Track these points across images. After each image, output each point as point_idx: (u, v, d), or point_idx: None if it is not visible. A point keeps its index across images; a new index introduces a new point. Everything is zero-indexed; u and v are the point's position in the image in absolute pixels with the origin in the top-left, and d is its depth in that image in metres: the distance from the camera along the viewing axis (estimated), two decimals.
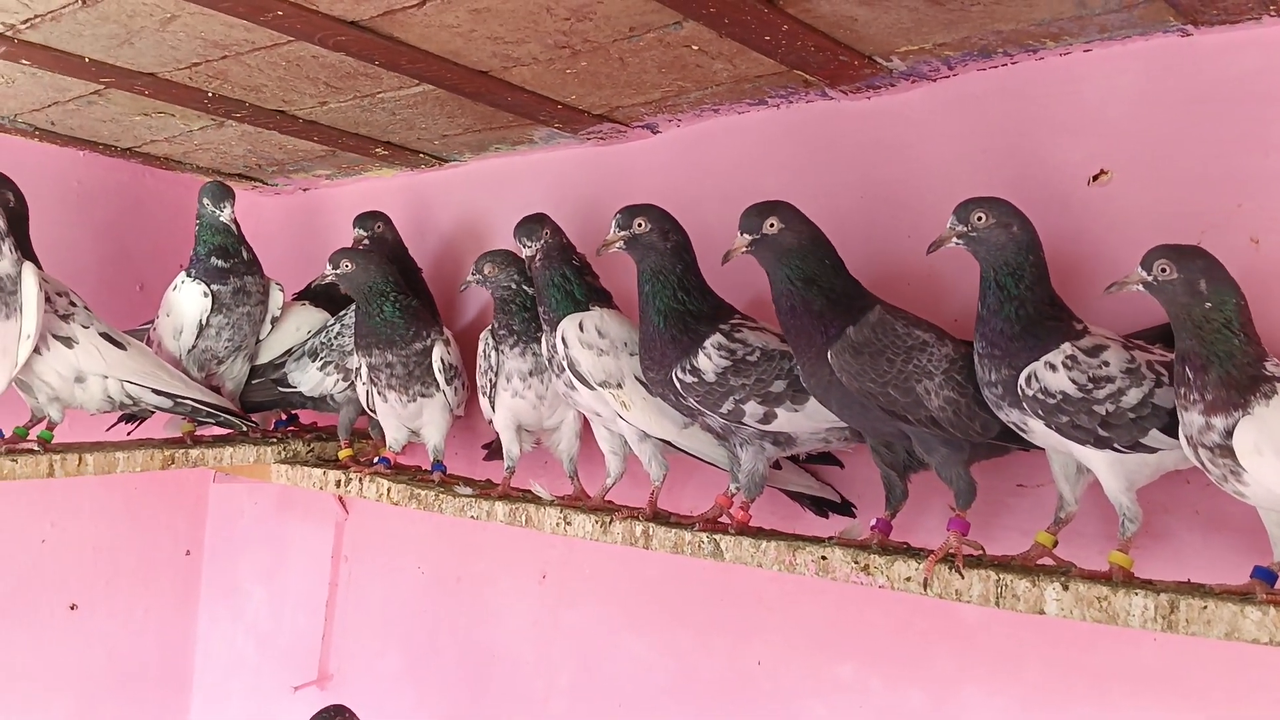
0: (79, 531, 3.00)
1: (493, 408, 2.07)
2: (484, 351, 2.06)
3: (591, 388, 1.79)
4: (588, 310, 1.84)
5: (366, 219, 2.45)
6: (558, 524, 1.87)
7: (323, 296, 2.57)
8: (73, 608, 3.01)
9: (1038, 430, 1.43)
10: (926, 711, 1.83)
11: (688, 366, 1.66)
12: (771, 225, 1.55)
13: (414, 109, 2.22)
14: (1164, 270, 1.28)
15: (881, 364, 1.49)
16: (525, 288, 2.00)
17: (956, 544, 1.47)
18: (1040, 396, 1.38)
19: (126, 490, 3.06)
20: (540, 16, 1.69)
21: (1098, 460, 1.40)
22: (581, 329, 1.80)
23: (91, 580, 3.05)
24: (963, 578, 1.43)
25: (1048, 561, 1.48)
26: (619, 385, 1.77)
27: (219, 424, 2.40)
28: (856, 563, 1.51)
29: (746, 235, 1.57)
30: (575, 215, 2.03)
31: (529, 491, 2.04)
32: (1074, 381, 1.37)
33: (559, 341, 1.82)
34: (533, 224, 1.88)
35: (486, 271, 2.00)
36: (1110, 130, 1.72)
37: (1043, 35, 1.68)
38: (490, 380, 2.04)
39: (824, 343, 1.53)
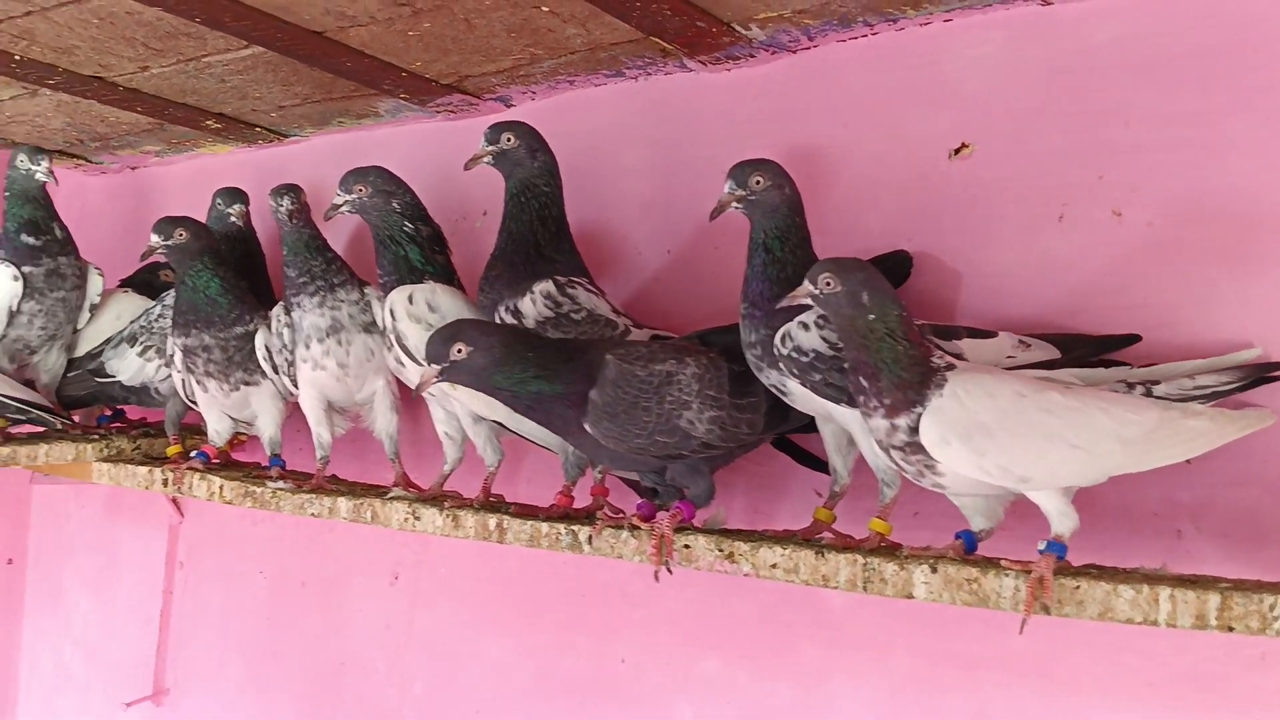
0: None
1: (295, 387, 1.93)
2: (275, 330, 1.92)
3: (419, 364, 1.67)
4: (421, 282, 1.73)
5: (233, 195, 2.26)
6: (405, 519, 1.74)
7: (146, 286, 2.38)
8: None
9: (796, 392, 1.43)
10: (794, 704, 1.77)
11: (511, 306, 1.61)
12: (459, 351, 1.43)
13: (245, 75, 2.05)
14: (828, 284, 1.30)
15: (639, 416, 1.44)
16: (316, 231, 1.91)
17: (668, 528, 1.46)
18: (794, 355, 1.40)
19: None
20: None
21: (854, 423, 1.41)
22: (411, 301, 1.70)
23: None
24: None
25: (828, 536, 1.48)
26: None
27: (30, 421, 2.18)
28: (720, 550, 1.45)
29: (434, 365, 1.46)
30: (425, 194, 1.91)
31: (374, 486, 1.90)
32: (825, 340, 1.39)
33: (388, 314, 1.73)
34: (350, 175, 1.75)
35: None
36: (971, 102, 1.68)
37: (903, 3, 1.64)
38: (287, 359, 1.91)
39: (577, 415, 1.45)
